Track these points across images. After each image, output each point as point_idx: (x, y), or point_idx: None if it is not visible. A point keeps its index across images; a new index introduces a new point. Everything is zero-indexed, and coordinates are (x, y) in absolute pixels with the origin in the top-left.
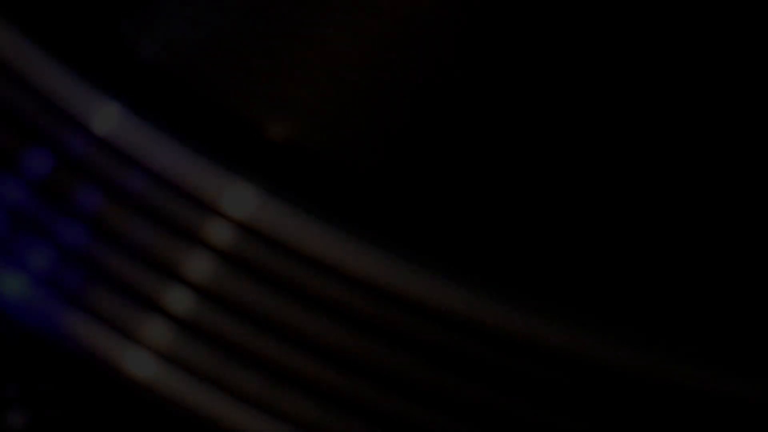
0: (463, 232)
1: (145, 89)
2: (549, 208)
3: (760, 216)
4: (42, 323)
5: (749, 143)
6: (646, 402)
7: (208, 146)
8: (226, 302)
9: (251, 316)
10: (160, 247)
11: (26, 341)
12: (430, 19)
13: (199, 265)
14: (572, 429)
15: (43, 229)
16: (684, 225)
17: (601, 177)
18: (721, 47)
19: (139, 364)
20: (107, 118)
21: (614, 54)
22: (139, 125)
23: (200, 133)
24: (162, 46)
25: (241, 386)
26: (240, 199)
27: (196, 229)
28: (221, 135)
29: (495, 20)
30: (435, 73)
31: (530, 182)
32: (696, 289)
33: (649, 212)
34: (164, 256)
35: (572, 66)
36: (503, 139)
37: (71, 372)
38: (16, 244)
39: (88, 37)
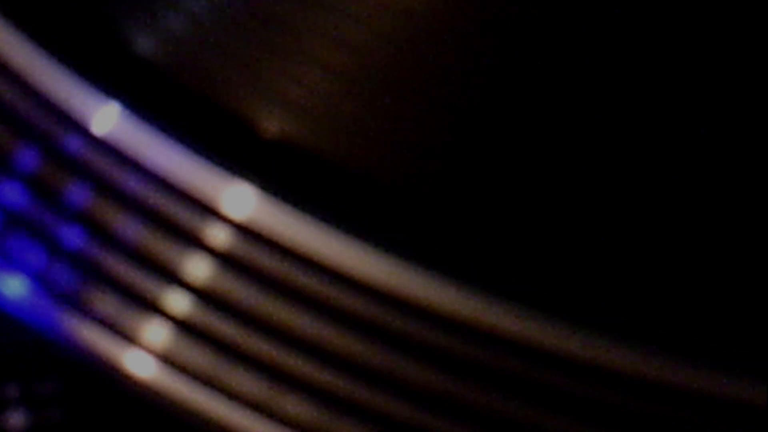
0: (463, 234)
1: (144, 89)
2: (551, 211)
3: (759, 217)
4: (42, 323)
5: (748, 149)
6: (645, 404)
7: (206, 147)
8: (225, 303)
9: (250, 318)
10: (160, 247)
11: (26, 341)
12: (434, 17)
13: (198, 266)
14: (570, 430)
15: (41, 230)
16: (683, 228)
17: (601, 182)
18: (721, 49)
19: (139, 365)
20: (106, 118)
21: (609, 64)
22: (137, 126)
23: (199, 133)
24: (160, 44)
25: (241, 387)
26: (239, 200)
27: (195, 230)
28: (220, 136)
29: (498, 22)
30: (436, 74)
31: (531, 185)
32: (696, 292)
33: (651, 216)
34: (163, 257)
35: (572, 75)
36: (503, 141)
37: (71, 372)
38: (15, 245)
39: (85, 36)
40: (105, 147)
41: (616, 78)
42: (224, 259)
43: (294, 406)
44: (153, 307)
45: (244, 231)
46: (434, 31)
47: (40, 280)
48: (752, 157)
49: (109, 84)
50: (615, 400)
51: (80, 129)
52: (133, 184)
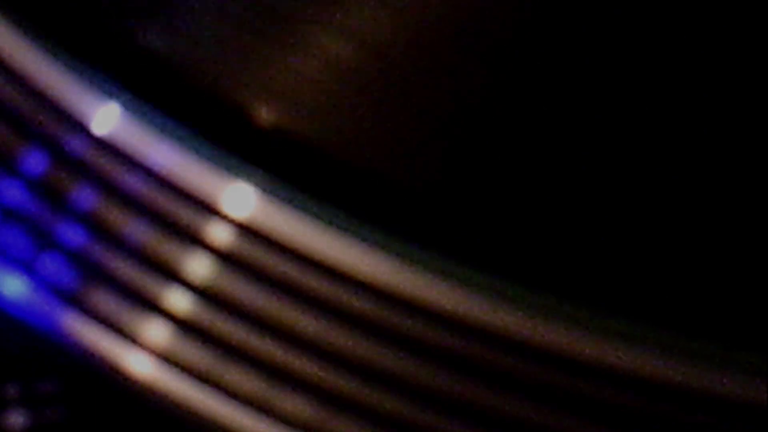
0: (467, 233)
1: (144, 88)
2: (552, 209)
3: (759, 215)
4: (42, 323)
5: (749, 146)
6: (645, 402)
7: (207, 146)
8: (225, 303)
9: (250, 317)
10: (160, 247)
11: (26, 341)
12: (439, 8)
13: (198, 265)
14: (571, 429)
15: (41, 229)
16: (684, 226)
17: (602, 182)
18: (721, 49)
19: (139, 365)
20: (106, 117)
21: (613, 57)
22: (137, 125)
23: (200, 132)
24: (161, 43)
25: (241, 387)
26: (240, 198)
27: (196, 229)
28: (221, 134)
29: (501, 14)
30: (438, 68)
31: (531, 179)
32: (696, 290)
33: (652, 214)
34: (164, 256)
35: (572, 72)
36: (506, 137)
37: (71, 372)
38: (15, 244)
39: (85, 34)
40: (106, 146)
41: (613, 73)
42: (225, 258)
43: (295, 405)
44: (153, 307)
45: (245, 230)
46: (439, 24)
47: (40, 280)
48: (754, 156)
49: (109, 83)
50: (615, 399)
51: (80, 128)
52: (133, 182)
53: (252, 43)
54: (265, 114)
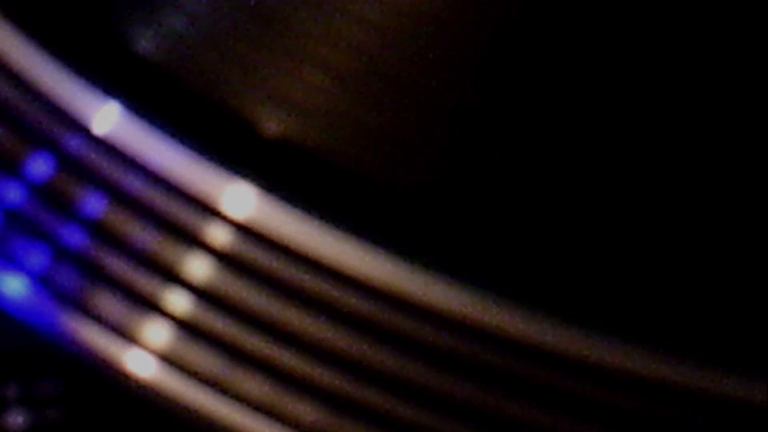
0: (463, 233)
1: (144, 89)
2: (551, 210)
3: (758, 217)
4: (42, 323)
5: (748, 149)
6: (644, 402)
7: (207, 147)
8: (225, 303)
9: (251, 317)
10: (160, 247)
11: (26, 341)
12: (436, 17)
13: (199, 266)
14: (571, 429)
15: (42, 230)
16: (683, 227)
17: (601, 182)
18: (721, 49)
19: (139, 365)
20: (106, 118)
21: (608, 66)
22: (137, 126)
23: (199, 133)
24: (161, 43)
25: (241, 387)
26: (240, 199)
27: (196, 230)
28: (221, 135)
29: (499, 22)
30: (436, 74)
31: (531, 184)
32: (695, 291)
33: (651, 215)
34: (164, 256)
35: (571, 76)
36: (503, 141)
37: (71, 372)
38: (15, 245)
39: (86, 35)
40: (106, 147)
41: (615, 80)
42: (225, 258)
43: (295, 405)
44: (153, 307)
45: (244, 231)
46: (436, 31)
47: (40, 280)
48: (752, 157)
49: (109, 84)
50: (614, 400)
51: (81, 129)
52: (134, 184)
53: (252, 48)
54: (264, 115)
